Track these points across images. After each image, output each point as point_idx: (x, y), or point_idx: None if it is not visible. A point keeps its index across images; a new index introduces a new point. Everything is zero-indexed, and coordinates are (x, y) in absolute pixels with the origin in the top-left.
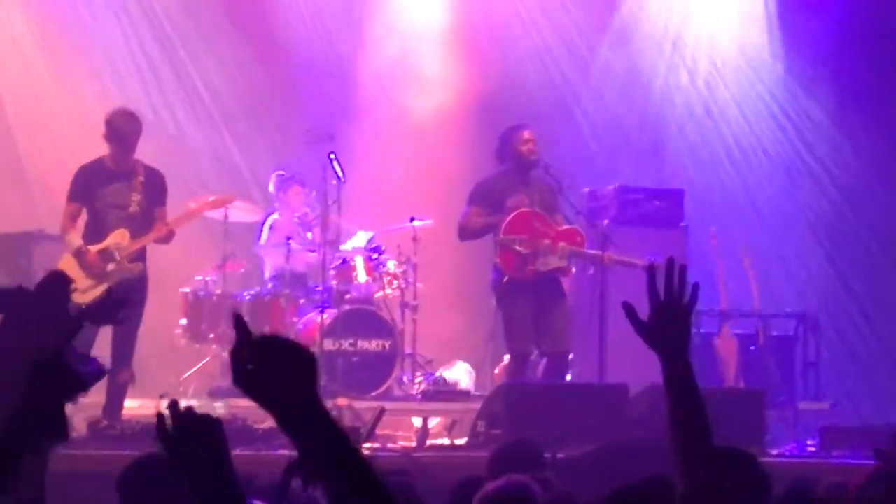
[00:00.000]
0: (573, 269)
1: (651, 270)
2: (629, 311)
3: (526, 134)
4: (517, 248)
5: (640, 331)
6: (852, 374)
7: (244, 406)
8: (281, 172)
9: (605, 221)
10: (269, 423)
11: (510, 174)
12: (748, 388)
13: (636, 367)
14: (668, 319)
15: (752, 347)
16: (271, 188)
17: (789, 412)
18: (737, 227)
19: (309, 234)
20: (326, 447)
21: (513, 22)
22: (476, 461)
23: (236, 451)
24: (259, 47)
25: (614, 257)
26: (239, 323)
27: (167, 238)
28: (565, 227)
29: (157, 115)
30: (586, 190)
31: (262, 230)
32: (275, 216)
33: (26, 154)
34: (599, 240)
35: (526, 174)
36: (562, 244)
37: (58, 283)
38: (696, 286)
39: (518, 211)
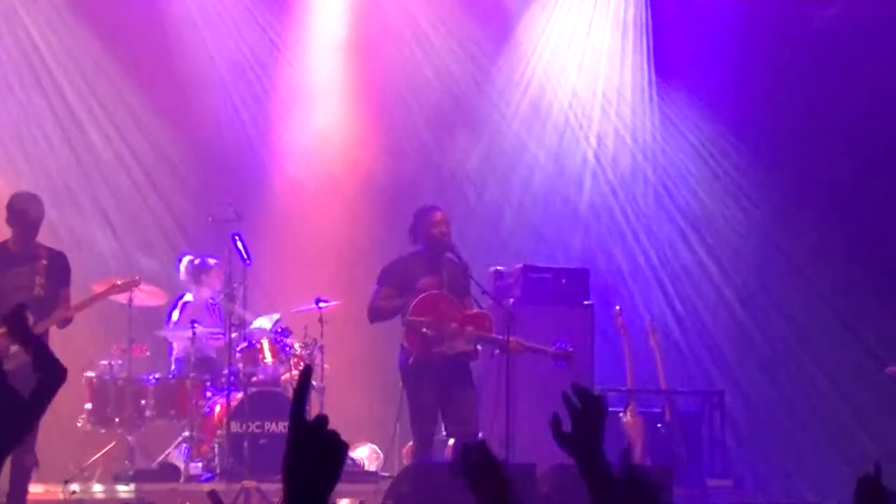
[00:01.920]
0: (479, 353)
1: (565, 397)
2: (555, 424)
3: (437, 216)
4: (423, 330)
5: (559, 440)
6: (759, 450)
7: (150, 490)
8: (191, 257)
9: (511, 301)
10: None
11: (420, 255)
12: (655, 465)
13: (543, 446)
14: (583, 429)
15: (659, 425)
16: (182, 274)
17: (697, 489)
18: (642, 304)
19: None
20: None
21: (417, 100)
22: None
23: None
24: (168, 124)
25: (523, 344)
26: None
27: (64, 323)
28: (474, 310)
29: (59, 194)
30: (493, 269)
31: (171, 312)
32: (188, 297)
33: None
34: (505, 319)
35: (436, 256)
36: (469, 328)
37: None
38: (600, 398)
39: (425, 293)
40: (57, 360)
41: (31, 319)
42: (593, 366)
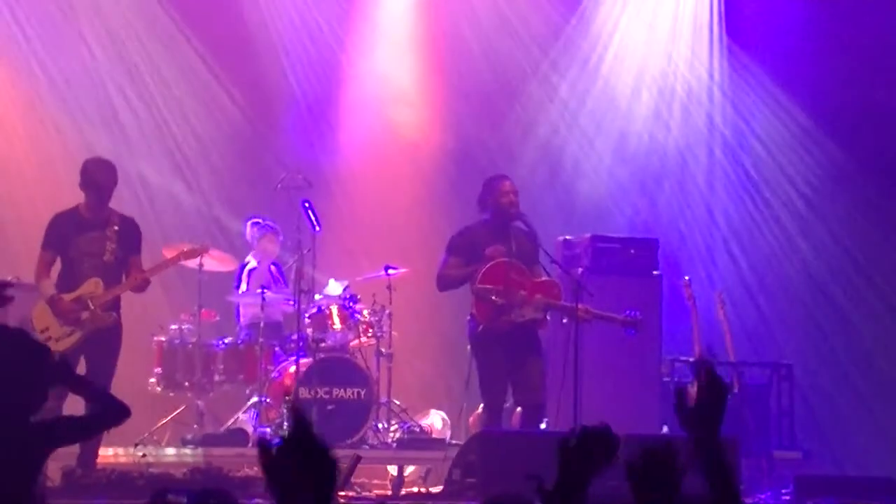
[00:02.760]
0: (549, 321)
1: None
2: (679, 395)
3: (506, 185)
4: (493, 298)
5: (681, 414)
6: (826, 423)
7: (219, 455)
8: (257, 220)
9: (579, 270)
10: (244, 471)
11: (489, 224)
12: (723, 436)
13: (610, 418)
14: (707, 412)
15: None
16: (247, 236)
17: (763, 461)
18: (711, 275)
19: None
20: None
21: (490, 67)
22: None
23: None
24: (237, 92)
25: (591, 311)
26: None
27: (142, 287)
28: (543, 278)
29: (132, 163)
30: (561, 239)
31: (239, 279)
32: (252, 264)
33: (1, 202)
34: (573, 289)
35: (505, 225)
36: (538, 296)
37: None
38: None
39: (495, 261)
40: (119, 404)
41: (100, 286)
42: (661, 336)
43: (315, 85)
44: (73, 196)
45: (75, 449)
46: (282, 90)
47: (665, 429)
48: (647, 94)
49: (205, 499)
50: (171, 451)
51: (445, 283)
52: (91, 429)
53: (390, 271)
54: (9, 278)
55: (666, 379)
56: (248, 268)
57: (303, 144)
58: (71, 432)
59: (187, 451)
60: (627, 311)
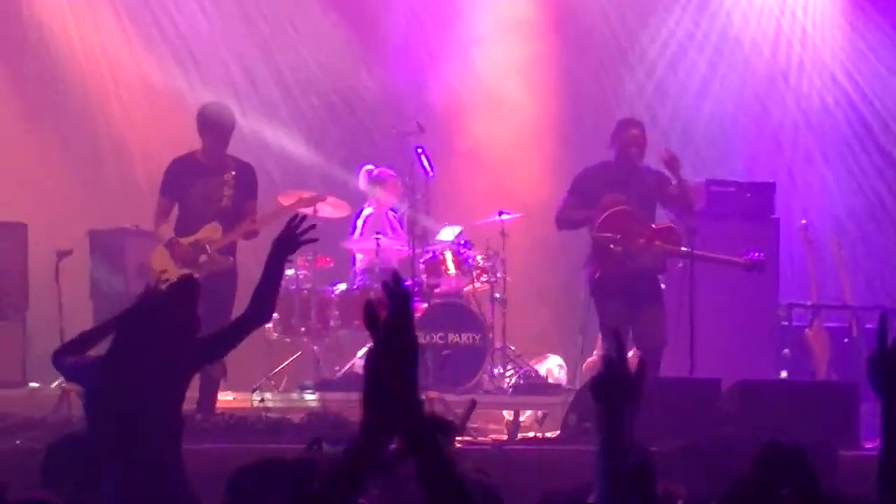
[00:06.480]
0: (667, 267)
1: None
2: (881, 358)
3: (635, 132)
4: (611, 246)
5: (874, 372)
6: None
7: (335, 399)
8: (370, 167)
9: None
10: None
11: (612, 167)
12: (841, 381)
13: (726, 363)
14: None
15: (845, 340)
16: (361, 183)
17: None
18: (828, 218)
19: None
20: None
21: (609, 13)
22: (567, 455)
23: (328, 446)
24: (349, 38)
25: (710, 256)
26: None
27: (251, 235)
28: (662, 224)
29: (244, 108)
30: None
31: (354, 225)
32: (368, 210)
33: (119, 149)
34: (689, 233)
35: (627, 170)
36: (657, 243)
37: (187, 288)
38: None
39: (614, 209)
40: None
41: (219, 231)
42: (779, 280)
43: (427, 24)
44: (188, 144)
45: (194, 394)
46: (393, 32)
47: (783, 374)
48: (769, 38)
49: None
50: (287, 396)
51: (564, 223)
52: (239, 333)
53: (504, 216)
54: (127, 225)
55: (784, 323)
56: (363, 214)
57: (414, 88)
58: (222, 342)
59: (304, 396)
60: (750, 253)
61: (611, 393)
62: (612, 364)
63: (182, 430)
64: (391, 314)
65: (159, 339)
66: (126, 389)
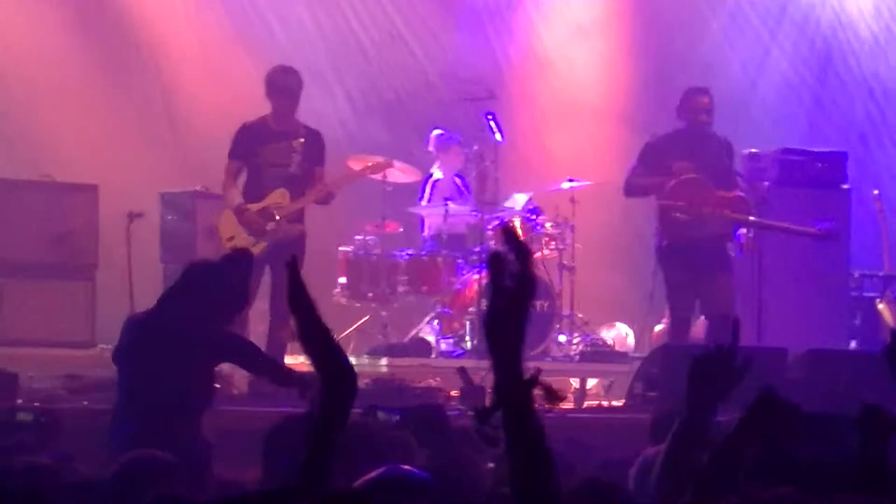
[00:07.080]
0: (736, 236)
1: None
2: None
3: (704, 101)
4: (677, 215)
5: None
6: None
7: (402, 365)
8: (440, 132)
9: (766, 184)
10: (427, 381)
11: (681, 135)
12: None
13: (793, 332)
14: None
15: None
16: (431, 147)
17: None
18: None
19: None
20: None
21: None
22: (633, 423)
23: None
24: (421, 2)
25: (780, 226)
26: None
27: (326, 199)
28: (731, 193)
29: (312, 73)
30: (747, 152)
31: (423, 190)
32: (437, 175)
33: (189, 112)
34: (759, 201)
35: (698, 137)
36: (726, 211)
37: (241, 259)
38: None
39: (682, 178)
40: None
41: (287, 197)
42: (849, 250)
43: None
44: (256, 109)
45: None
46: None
47: (853, 343)
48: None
49: (417, 414)
50: (355, 360)
51: (632, 190)
52: (260, 373)
53: (573, 183)
54: (198, 188)
55: (854, 294)
56: (432, 179)
57: (484, 53)
58: (245, 360)
59: (372, 360)
60: (823, 223)
61: (712, 378)
62: (723, 352)
63: (207, 404)
64: (521, 266)
65: (203, 310)
66: (157, 353)
